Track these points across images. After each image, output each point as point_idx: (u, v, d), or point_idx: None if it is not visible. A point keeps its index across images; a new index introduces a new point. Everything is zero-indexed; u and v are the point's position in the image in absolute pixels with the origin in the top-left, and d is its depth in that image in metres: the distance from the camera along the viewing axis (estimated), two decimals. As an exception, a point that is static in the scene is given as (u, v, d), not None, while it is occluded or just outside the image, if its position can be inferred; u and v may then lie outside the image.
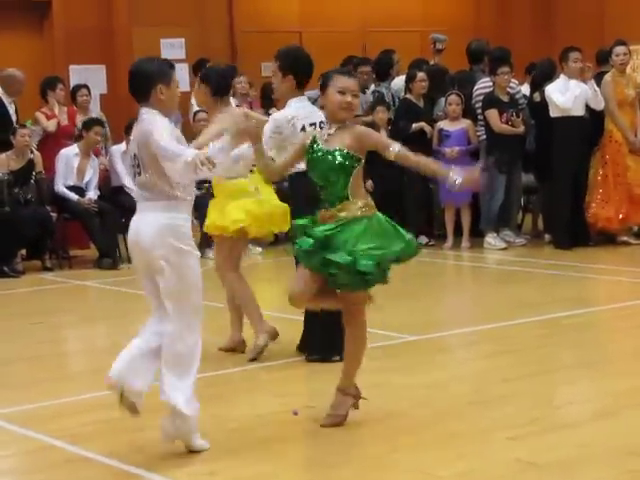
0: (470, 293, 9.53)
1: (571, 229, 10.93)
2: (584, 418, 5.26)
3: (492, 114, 11.05)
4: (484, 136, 11.29)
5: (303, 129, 6.35)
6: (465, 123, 11.41)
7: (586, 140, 10.93)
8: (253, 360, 6.61)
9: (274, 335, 6.70)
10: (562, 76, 10.93)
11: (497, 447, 4.83)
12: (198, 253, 4.95)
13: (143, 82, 4.90)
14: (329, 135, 5.11)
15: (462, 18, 15.89)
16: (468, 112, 11.49)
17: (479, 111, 11.32)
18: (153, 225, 4.79)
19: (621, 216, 10.93)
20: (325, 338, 6.38)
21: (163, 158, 4.73)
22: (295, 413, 5.42)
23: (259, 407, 5.65)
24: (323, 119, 6.31)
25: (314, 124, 6.42)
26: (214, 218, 6.82)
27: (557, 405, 5.56)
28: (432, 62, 12.67)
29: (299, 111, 6.45)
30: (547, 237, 11.46)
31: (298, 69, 6.50)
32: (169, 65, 4.99)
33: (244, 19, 14.66)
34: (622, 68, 11.08)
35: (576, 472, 4.54)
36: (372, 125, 11.33)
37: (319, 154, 5.08)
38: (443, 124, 11.45)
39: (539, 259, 10.52)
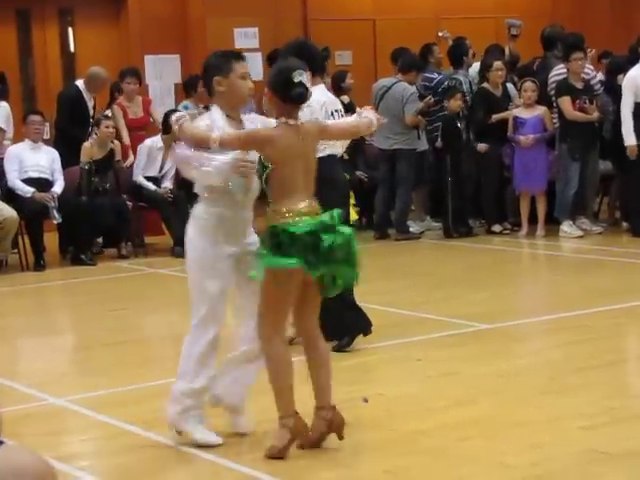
0: (545, 281, 9.45)
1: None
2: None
3: (565, 101, 10.92)
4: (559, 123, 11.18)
5: (332, 115, 6.42)
6: (540, 110, 11.30)
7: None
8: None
9: None
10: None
11: (570, 436, 4.79)
12: None
13: (204, 78, 4.97)
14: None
15: (538, 4, 15.71)
16: (544, 99, 11.38)
17: (554, 98, 11.20)
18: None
19: None
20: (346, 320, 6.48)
21: None
22: (365, 400, 5.43)
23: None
24: (341, 107, 6.55)
25: (338, 110, 6.52)
26: None
27: (632, 395, 5.50)
28: (507, 48, 12.56)
29: (325, 97, 6.51)
30: (625, 225, 11.30)
31: (311, 60, 6.48)
32: (230, 56, 4.92)
33: (317, 7, 14.66)
34: None
35: (648, 462, 4.50)
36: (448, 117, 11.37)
37: None
38: (518, 111, 11.35)
39: (616, 247, 10.38)
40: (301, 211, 4.69)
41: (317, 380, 4.83)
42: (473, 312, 7.54)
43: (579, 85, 11.02)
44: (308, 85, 4.80)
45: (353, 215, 6.86)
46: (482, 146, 11.34)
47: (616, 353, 6.39)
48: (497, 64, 11.46)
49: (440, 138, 11.43)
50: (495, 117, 11.37)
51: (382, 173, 11.65)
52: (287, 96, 4.74)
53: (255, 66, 13.64)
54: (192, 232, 4.93)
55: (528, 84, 11.29)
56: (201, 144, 4.70)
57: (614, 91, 11.10)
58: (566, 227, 11.10)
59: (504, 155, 11.57)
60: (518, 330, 7.23)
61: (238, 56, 4.95)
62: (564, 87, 11.00)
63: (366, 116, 5.09)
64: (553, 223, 11.27)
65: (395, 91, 11.47)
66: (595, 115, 11.01)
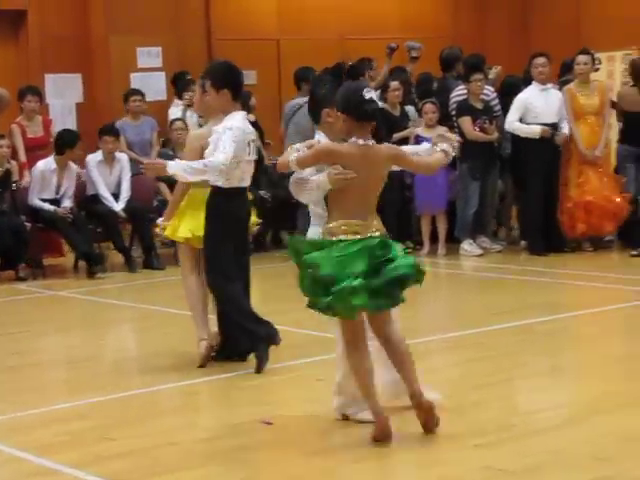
0: (446, 300, 9.55)
1: (545, 235, 11.00)
2: (555, 424, 5.26)
3: (465, 121, 11.09)
4: (459, 143, 11.31)
5: (248, 145, 6.49)
6: (441, 130, 11.42)
7: (557, 146, 10.98)
8: (201, 367, 6.64)
9: (214, 338, 6.76)
10: (534, 83, 11.00)
11: (466, 454, 4.83)
12: None
13: (312, 105, 5.39)
14: None
15: (440, 25, 15.92)
16: (445, 119, 11.52)
17: (455, 118, 11.35)
18: None
19: (581, 225, 10.93)
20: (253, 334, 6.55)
21: None
22: (268, 423, 5.40)
23: (232, 416, 5.64)
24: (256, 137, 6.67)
25: (254, 141, 6.60)
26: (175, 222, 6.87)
27: (529, 411, 5.56)
28: (407, 69, 12.70)
29: (245, 125, 6.52)
30: (523, 243, 11.50)
31: (232, 82, 6.54)
32: None
33: (221, 27, 14.64)
34: (582, 78, 11.05)
35: (545, 478, 4.55)
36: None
37: None
38: (420, 130, 11.48)
39: (514, 265, 10.55)
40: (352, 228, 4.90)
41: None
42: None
43: (479, 106, 11.20)
44: (379, 103, 5.01)
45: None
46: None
47: (513, 370, 6.47)
48: (394, 84, 11.58)
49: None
50: (396, 136, 11.45)
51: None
52: (361, 113, 4.94)
53: (158, 86, 13.58)
54: None
55: (428, 106, 11.43)
56: (285, 169, 5.05)
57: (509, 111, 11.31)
58: (466, 246, 11.25)
59: (405, 174, 11.66)
60: (418, 348, 7.22)
61: None
62: (464, 107, 11.17)
63: (441, 149, 5.22)
64: (454, 242, 11.41)
65: (305, 110, 11.47)
66: (495, 135, 11.20)
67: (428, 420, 5.05)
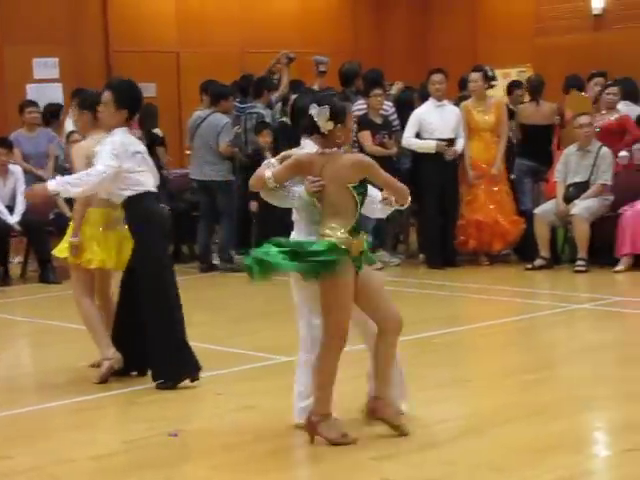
0: (345, 313, 9.57)
1: (442, 249, 11.16)
2: (451, 436, 5.32)
3: (364, 135, 11.18)
4: (359, 157, 11.40)
5: (134, 155, 6.49)
6: (341, 144, 11.49)
7: (453, 161, 11.15)
8: (100, 383, 6.58)
9: (118, 362, 6.68)
10: (430, 99, 11.16)
11: (363, 467, 4.86)
12: None
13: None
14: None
15: (340, 41, 16.05)
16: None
17: (354, 132, 11.43)
18: None
19: (472, 241, 11.13)
20: (172, 362, 6.44)
21: None
22: (174, 435, 5.37)
23: (130, 432, 5.58)
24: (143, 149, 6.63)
25: (140, 152, 6.58)
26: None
27: (426, 424, 5.60)
28: (315, 84, 12.76)
29: (126, 138, 6.51)
30: (421, 257, 11.63)
31: (133, 105, 6.57)
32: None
33: (120, 38, 14.54)
34: (476, 94, 11.21)
35: (441, 490, 4.60)
36: (255, 151, 11.41)
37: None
38: (320, 145, 11.51)
39: (413, 279, 10.66)
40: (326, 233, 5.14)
41: None
42: (275, 345, 7.56)
43: (378, 120, 11.31)
44: (317, 119, 5.14)
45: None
46: (253, 205, 11.22)
47: (411, 383, 6.44)
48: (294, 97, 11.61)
49: (246, 171, 11.43)
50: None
51: (201, 204, 11.67)
52: (305, 127, 5.24)
53: (55, 97, 13.38)
54: None
55: (328, 119, 11.48)
56: (261, 185, 5.31)
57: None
58: (366, 259, 11.30)
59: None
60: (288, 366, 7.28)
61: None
62: (364, 122, 11.26)
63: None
64: (353, 255, 11.45)
65: (210, 122, 11.48)
66: (394, 150, 11.31)
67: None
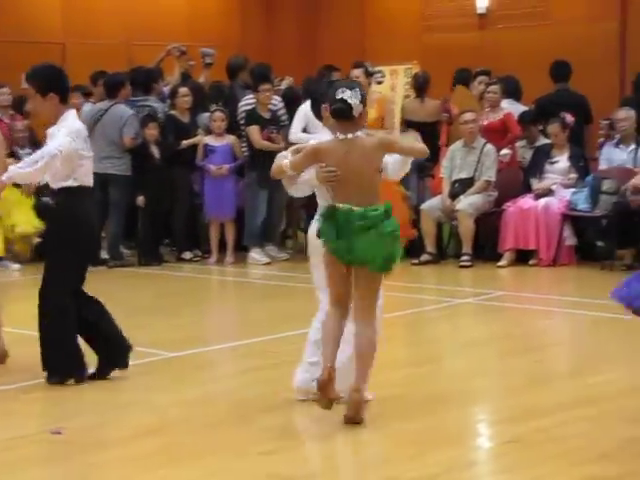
0: (234, 308, 9.60)
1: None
2: (336, 430, 5.36)
3: (253, 130, 11.19)
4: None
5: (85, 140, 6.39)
6: (230, 139, 11.49)
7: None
8: None
9: (2, 358, 6.58)
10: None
11: (250, 462, 4.87)
12: None
13: (314, 104, 5.93)
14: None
15: (228, 34, 16.00)
16: (233, 128, 11.58)
17: (243, 127, 11.43)
18: None
19: None
20: (64, 359, 6.35)
21: None
22: (57, 432, 5.30)
23: (14, 429, 5.49)
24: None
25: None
26: None
27: (312, 418, 5.64)
28: (202, 76, 12.71)
29: (79, 124, 6.41)
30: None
31: (59, 86, 6.39)
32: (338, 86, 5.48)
33: (2, 28, 14.22)
34: None
35: (327, 483, 4.64)
36: (142, 144, 11.29)
37: None
38: (208, 139, 11.49)
39: (302, 273, 10.68)
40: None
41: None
42: (162, 340, 7.52)
43: (267, 115, 11.32)
44: (351, 102, 5.27)
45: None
46: (140, 199, 11.22)
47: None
48: (183, 90, 11.56)
49: (132, 165, 11.33)
50: (185, 143, 11.44)
51: (96, 197, 11.45)
52: (333, 111, 5.32)
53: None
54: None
55: (217, 114, 11.47)
56: (280, 173, 5.52)
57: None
58: (254, 254, 11.34)
59: (194, 182, 11.67)
60: (205, 357, 7.28)
61: None
62: (252, 117, 11.26)
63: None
64: (242, 250, 11.48)
65: (112, 114, 11.29)
66: (282, 145, 11.31)
67: (351, 412, 5.27)
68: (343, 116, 5.32)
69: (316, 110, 5.90)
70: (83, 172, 6.31)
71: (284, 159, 5.49)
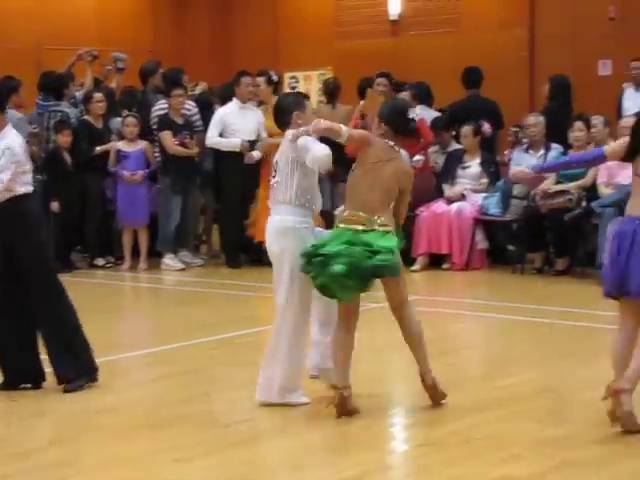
0: (146, 315, 9.51)
1: (244, 249, 11.23)
2: (252, 435, 5.36)
3: (165, 136, 11.11)
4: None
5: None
6: (142, 144, 11.40)
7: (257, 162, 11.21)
8: None
9: None
10: (234, 99, 11.18)
11: (163, 470, 4.83)
12: None
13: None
14: None
15: (140, 38, 15.87)
16: (146, 133, 11.48)
17: (156, 132, 11.34)
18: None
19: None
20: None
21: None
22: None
23: None
24: None
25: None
26: None
27: (226, 424, 5.62)
28: (113, 81, 12.58)
29: (18, 138, 6.31)
30: (224, 257, 11.64)
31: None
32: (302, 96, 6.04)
33: None
34: (262, 98, 11.37)
35: (242, 490, 4.63)
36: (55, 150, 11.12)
37: None
38: (121, 145, 11.38)
39: (216, 279, 10.66)
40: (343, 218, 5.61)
41: None
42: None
43: (180, 120, 11.25)
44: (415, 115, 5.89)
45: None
46: (55, 205, 11.00)
47: (213, 384, 6.53)
48: (98, 96, 11.42)
49: (45, 170, 11.14)
50: (99, 149, 11.31)
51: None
52: (405, 129, 5.73)
53: None
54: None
55: (130, 119, 11.37)
56: (336, 135, 5.63)
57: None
58: (168, 260, 11.26)
59: (106, 188, 11.54)
60: (117, 364, 7.20)
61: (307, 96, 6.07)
62: (165, 122, 11.18)
63: None
64: (156, 256, 11.39)
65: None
66: (195, 150, 11.28)
67: (433, 396, 5.71)
68: (412, 134, 5.79)
69: (282, 119, 5.93)
70: (25, 179, 6.27)
71: (343, 126, 5.67)
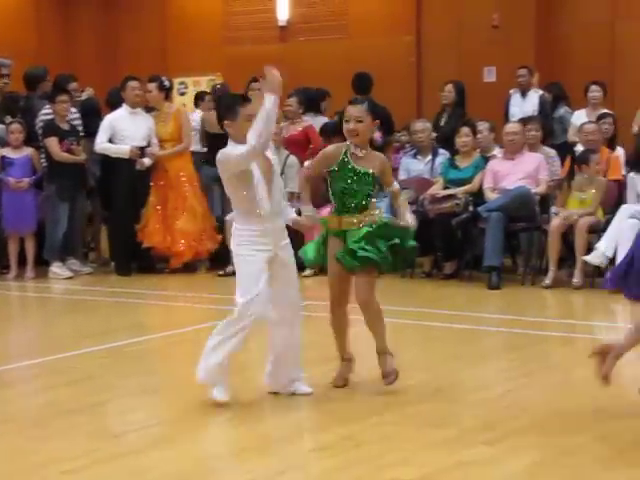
0: (35, 324, 9.34)
1: (134, 256, 11.12)
2: (142, 446, 5.29)
3: (51, 142, 10.96)
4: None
5: None
6: (28, 150, 11.20)
7: (147, 168, 11.12)
8: None
9: None
10: (125, 105, 11.08)
11: (52, 481, 4.75)
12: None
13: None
14: (358, 157, 6.07)
15: (23, 42, 15.58)
16: (31, 140, 11.29)
17: (41, 139, 11.16)
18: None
19: (156, 249, 11.18)
20: None
21: None
22: None
23: None
24: None
25: None
26: None
27: (116, 434, 5.55)
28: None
29: None
30: (114, 265, 11.51)
31: None
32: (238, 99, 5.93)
33: None
34: (153, 104, 11.35)
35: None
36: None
37: (354, 169, 6.05)
38: (6, 151, 11.18)
39: (105, 287, 10.54)
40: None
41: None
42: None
43: (65, 126, 11.10)
44: None
45: None
46: None
47: (101, 393, 6.43)
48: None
49: None
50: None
51: None
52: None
53: None
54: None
55: (14, 125, 11.22)
56: None
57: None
58: (56, 268, 11.08)
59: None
60: (6, 375, 7.05)
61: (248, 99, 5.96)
62: (50, 128, 11.02)
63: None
64: (43, 264, 11.20)
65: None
66: (82, 157, 11.13)
67: (387, 375, 6.16)
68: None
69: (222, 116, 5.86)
70: None
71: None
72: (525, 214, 10.10)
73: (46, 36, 16.23)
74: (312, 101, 11.98)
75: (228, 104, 5.86)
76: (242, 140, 5.69)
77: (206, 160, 11.78)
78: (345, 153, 6.09)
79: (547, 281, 9.75)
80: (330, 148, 6.25)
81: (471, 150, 10.53)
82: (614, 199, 10.13)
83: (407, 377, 6.51)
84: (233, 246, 5.93)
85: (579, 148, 10.60)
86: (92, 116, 11.46)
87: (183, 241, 11.08)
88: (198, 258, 11.39)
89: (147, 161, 10.93)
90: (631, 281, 5.49)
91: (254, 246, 5.82)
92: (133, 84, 11.11)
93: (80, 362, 7.26)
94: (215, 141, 11.57)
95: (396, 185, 6.37)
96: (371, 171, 6.08)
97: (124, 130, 10.99)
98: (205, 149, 11.96)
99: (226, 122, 5.78)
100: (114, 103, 11.42)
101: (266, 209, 5.82)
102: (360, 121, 6.05)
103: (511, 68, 12.83)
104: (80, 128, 11.39)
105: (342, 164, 6.08)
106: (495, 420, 5.49)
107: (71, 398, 6.25)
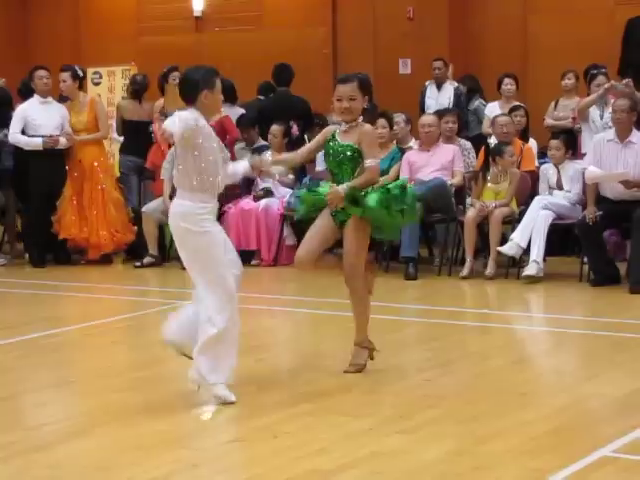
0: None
1: (49, 248, 10.99)
2: (57, 438, 5.23)
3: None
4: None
5: None
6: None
7: (61, 157, 10.99)
8: None
9: None
10: (36, 95, 10.93)
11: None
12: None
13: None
14: (343, 132, 6.19)
15: None
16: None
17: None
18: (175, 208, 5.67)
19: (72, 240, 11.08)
20: None
21: None
22: None
23: None
24: None
25: None
26: None
27: (31, 427, 5.48)
28: None
29: None
30: (27, 256, 11.35)
31: None
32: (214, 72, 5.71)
33: None
34: (66, 94, 11.27)
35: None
36: None
37: (336, 146, 6.16)
38: None
39: (19, 279, 10.39)
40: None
41: None
42: None
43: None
44: None
45: None
46: None
47: (15, 386, 6.35)
48: None
49: None
50: None
51: None
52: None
53: None
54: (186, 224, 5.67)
55: None
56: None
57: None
58: (-34, 260, 10.89)
59: None
60: None
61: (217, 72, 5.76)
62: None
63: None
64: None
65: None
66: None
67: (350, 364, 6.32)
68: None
69: (187, 95, 5.63)
70: None
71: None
72: (441, 206, 10.19)
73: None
74: (228, 92, 11.92)
75: (205, 75, 5.63)
76: (212, 113, 5.83)
77: (123, 149, 11.68)
78: (334, 133, 6.26)
79: (464, 272, 9.86)
80: (328, 128, 6.49)
81: (387, 142, 10.59)
82: (528, 190, 10.28)
83: (325, 368, 6.54)
84: (189, 225, 5.64)
85: (493, 140, 10.73)
86: (4, 106, 11.26)
87: (103, 232, 10.96)
88: (119, 249, 11.29)
89: (63, 140, 10.82)
90: None
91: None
92: (41, 73, 10.97)
93: (-7, 355, 7.15)
94: (134, 129, 11.52)
95: (371, 162, 6.15)
96: (353, 144, 6.15)
97: (36, 120, 10.84)
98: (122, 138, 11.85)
99: (205, 92, 5.56)
100: (26, 93, 11.25)
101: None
102: (353, 99, 6.16)
103: (426, 60, 12.92)
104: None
105: (330, 141, 6.24)
106: (412, 409, 5.54)
107: (-16, 392, 6.16)
